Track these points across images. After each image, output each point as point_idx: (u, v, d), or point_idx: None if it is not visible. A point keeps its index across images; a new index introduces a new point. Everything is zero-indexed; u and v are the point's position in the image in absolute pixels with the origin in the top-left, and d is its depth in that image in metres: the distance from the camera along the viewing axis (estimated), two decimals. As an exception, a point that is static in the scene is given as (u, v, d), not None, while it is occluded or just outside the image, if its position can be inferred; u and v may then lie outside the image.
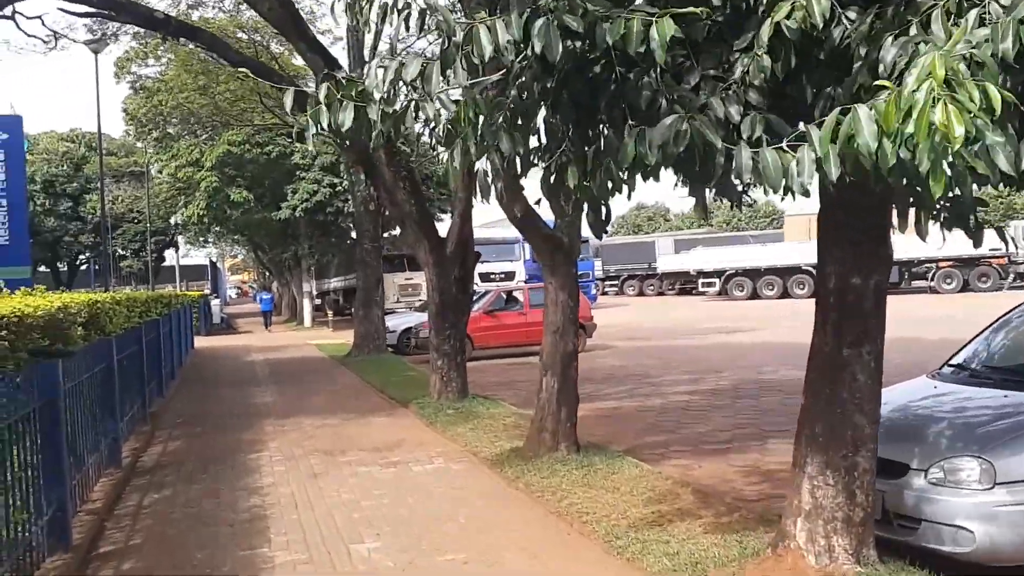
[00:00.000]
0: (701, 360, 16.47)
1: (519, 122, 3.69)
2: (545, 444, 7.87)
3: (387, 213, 11.21)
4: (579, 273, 30.08)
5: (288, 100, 3.53)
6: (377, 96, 3.45)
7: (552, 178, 3.79)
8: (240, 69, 13.17)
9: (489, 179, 3.90)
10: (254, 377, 16.94)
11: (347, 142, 11.52)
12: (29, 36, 16.87)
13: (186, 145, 31.29)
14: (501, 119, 3.62)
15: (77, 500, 6.39)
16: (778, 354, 16.56)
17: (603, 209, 3.87)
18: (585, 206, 3.91)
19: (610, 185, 3.45)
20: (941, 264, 36.06)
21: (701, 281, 42.81)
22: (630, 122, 3.21)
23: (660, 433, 9.46)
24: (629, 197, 3.85)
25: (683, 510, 6.05)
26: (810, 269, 38.87)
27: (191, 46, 19.65)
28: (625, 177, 3.41)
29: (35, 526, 5.05)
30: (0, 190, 22.47)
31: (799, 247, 39.66)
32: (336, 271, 41.63)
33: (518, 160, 3.83)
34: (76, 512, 6.31)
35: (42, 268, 56.17)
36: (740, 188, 3.65)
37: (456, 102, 3.51)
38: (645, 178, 3.41)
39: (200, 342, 27.75)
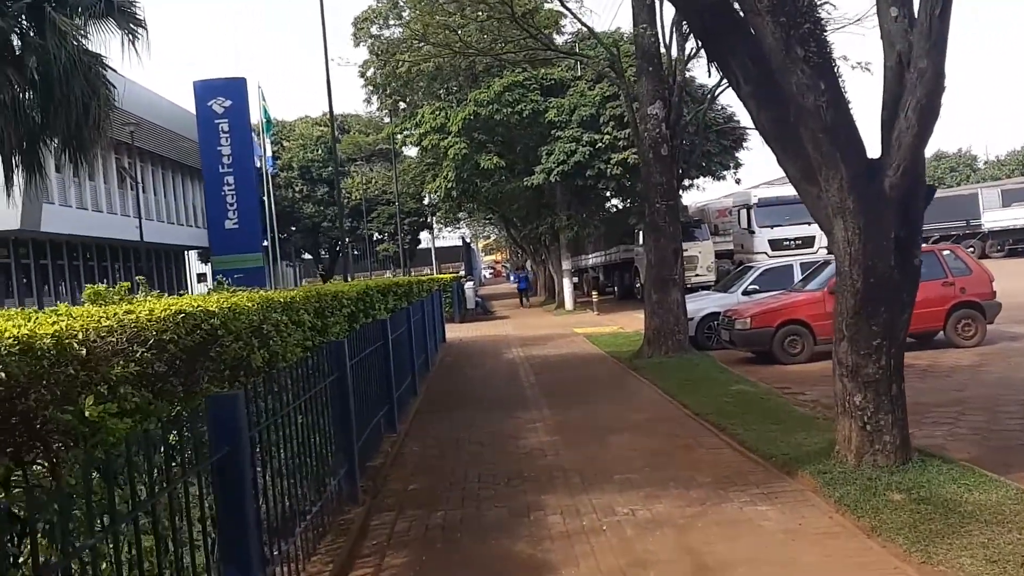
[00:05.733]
0: None
1: None
2: None
3: (757, 124, 5.94)
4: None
5: None
6: None
7: None
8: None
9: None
10: (519, 390, 12.47)
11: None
12: None
13: (430, 110, 28.05)
14: None
15: None
16: None
17: None
18: None
19: None
20: None
21: (1060, 240, 33.44)
22: None
23: None
24: None
25: None
26: None
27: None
28: None
29: None
30: (227, 166, 19.40)
31: None
32: (595, 245, 37.27)
33: None
34: None
35: (306, 256, 57.28)
36: None
37: None
38: None
39: (452, 331, 24.24)
